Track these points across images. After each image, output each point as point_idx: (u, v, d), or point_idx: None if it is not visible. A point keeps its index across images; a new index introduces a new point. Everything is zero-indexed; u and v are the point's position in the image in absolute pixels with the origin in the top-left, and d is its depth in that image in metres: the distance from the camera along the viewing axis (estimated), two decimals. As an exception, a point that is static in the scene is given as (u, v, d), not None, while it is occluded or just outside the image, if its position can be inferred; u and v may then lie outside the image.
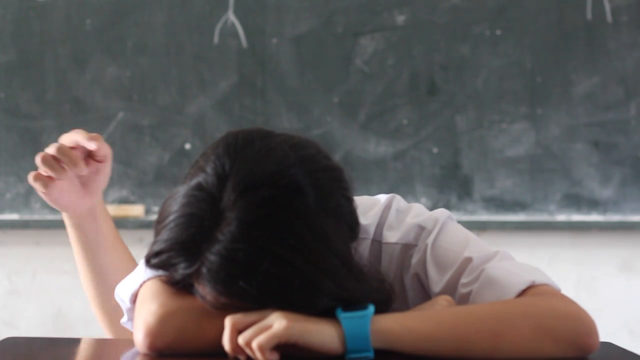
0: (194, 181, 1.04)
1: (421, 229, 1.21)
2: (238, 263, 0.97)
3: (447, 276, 1.16)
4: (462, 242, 1.18)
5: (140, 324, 1.05)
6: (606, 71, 2.95)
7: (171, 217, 1.03)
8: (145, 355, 1.05)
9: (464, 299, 1.13)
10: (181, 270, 1.02)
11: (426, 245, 1.19)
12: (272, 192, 1.00)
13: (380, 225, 1.24)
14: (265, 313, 0.98)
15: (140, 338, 1.04)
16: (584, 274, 2.98)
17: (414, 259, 1.20)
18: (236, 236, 0.98)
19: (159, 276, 1.10)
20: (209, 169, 1.04)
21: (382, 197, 1.27)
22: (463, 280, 1.14)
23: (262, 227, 0.98)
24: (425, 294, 1.19)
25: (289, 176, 1.01)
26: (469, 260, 1.15)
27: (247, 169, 1.02)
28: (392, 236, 1.22)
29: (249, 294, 0.97)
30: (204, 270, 0.99)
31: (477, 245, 1.18)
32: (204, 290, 1.02)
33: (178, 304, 1.05)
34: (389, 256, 1.22)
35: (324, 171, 1.06)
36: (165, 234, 1.03)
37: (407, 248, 1.21)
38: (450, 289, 1.15)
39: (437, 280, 1.17)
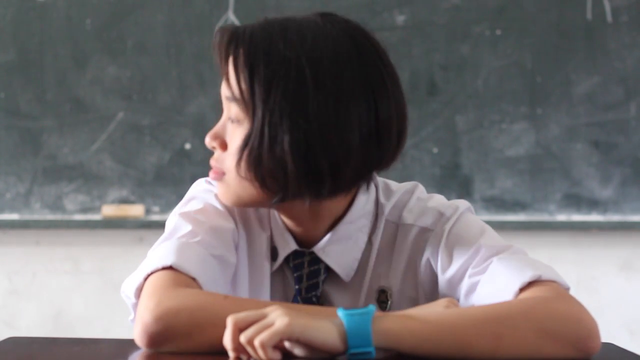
0: None
1: (440, 214, 1.23)
2: (254, 28, 1.17)
3: (458, 264, 1.18)
4: (477, 232, 1.20)
5: (138, 320, 1.06)
6: (606, 71, 2.95)
7: None
8: (145, 355, 1.05)
9: (472, 288, 1.15)
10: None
11: (443, 231, 1.21)
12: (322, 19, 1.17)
13: (397, 208, 1.26)
14: (267, 312, 0.98)
15: (137, 334, 1.05)
16: (584, 274, 2.98)
17: (429, 244, 1.22)
18: (266, 20, 1.18)
19: (164, 268, 1.11)
20: None
21: (406, 184, 1.30)
22: (472, 269, 1.16)
23: (286, 26, 1.16)
24: (436, 280, 1.21)
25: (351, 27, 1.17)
26: (480, 249, 1.17)
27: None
28: (410, 218, 1.24)
29: (241, 51, 1.15)
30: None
31: (491, 237, 1.20)
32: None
33: (176, 303, 1.05)
34: (404, 237, 1.24)
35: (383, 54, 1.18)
36: None
37: (423, 231, 1.23)
38: (459, 276, 1.18)
39: (446, 267, 1.19)
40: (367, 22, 2.96)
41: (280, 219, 1.25)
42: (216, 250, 1.19)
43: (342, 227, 1.23)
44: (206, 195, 1.27)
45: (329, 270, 1.24)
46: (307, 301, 1.23)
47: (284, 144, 1.11)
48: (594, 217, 2.96)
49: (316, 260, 1.23)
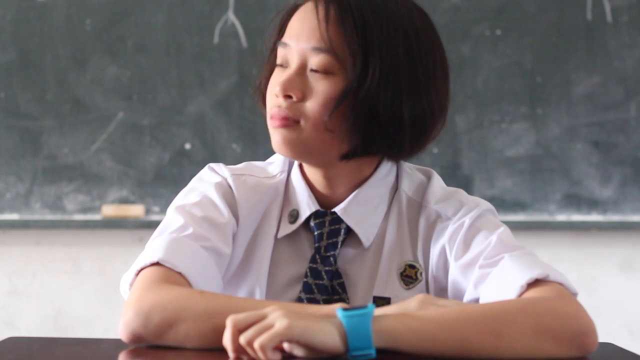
0: None
1: (462, 206, 1.26)
2: None
3: (472, 254, 1.20)
4: (494, 228, 1.23)
5: (121, 316, 1.10)
6: (606, 71, 2.95)
7: None
8: (145, 355, 1.05)
9: (481, 279, 1.17)
10: None
11: (463, 223, 1.23)
12: None
13: (420, 188, 1.30)
14: (266, 312, 0.98)
15: (120, 330, 1.09)
16: (584, 274, 2.98)
17: (448, 232, 1.24)
18: None
19: (152, 264, 1.14)
20: None
21: (420, 167, 1.36)
22: (482, 260, 1.18)
23: None
24: (447, 267, 1.23)
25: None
26: (493, 242, 1.20)
27: None
28: (432, 201, 1.28)
29: (347, 5, 1.19)
30: None
31: (507, 235, 1.22)
32: (296, 12, 1.23)
33: (151, 300, 1.08)
34: (424, 218, 1.27)
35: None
36: None
37: (442, 219, 1.26)
38: (471, 265, 1.20)
39: (460, 255, 1.21)
40: (367, 22, 2.97)
41: (303, 182, 1.28)
42: (208, 242, 1.21)
43: (365, 190, 1.27)
44: (206, 186, 1.29)
45: (348, 232, 1.27)
46: (325, 260, 1.25)
47: (399, 97, 1.19)
48: (594, 217, 2.96)
49: (337, 220, 1.26)
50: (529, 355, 1.02)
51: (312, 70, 1.21)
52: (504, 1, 2.96)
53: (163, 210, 2.92)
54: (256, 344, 0.94)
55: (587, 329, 1.05)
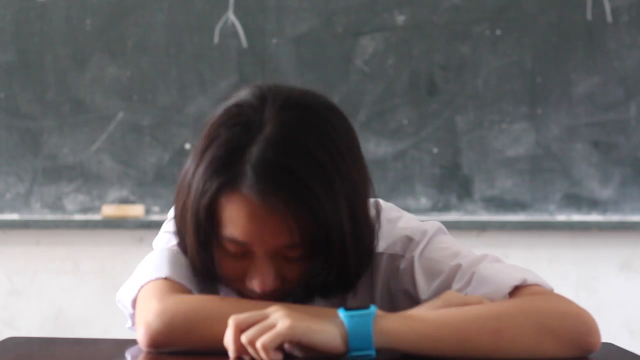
0: (230, 102, 1.18)
1: (409, 240, 1.20)
2: (283, 156, 1.06)
3: (436, 283, 1.16)
4: (450, 253, 1.18)
5: (140, 321, 1.07)
6: (606, 71, 2.95)
7: (214, 130, 1.17)
8: (145, 355, 1.05)
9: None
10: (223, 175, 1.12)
11: (413, 257, 1.19)
12: (314, 107, 1.12)
13: None
14: (268, 312, 0.98)
15: (140, 335, 1.06)
16: (584, 274, 2.98)
17: (402, 274, 1.19)
18: (278, 136, 1.08)
19: (158, 279, 1.11)
20: (243, 94, 1.17)
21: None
22: (455, 286, 1.14)
23: (302, 130, 1.09)
24: (414, 305, 1.17)
25: (328, 103, 1.13)
26: (458, 267, 1.15)
27: (287, 93, 1.15)
28: (380, 245, 1.21)
29: (289, 184, 1.04)
30: (248, 167, 1.07)
31: (466, 254, 1.18)
32: (239, 199, 1.07)
33: (175, 302, 1.06)
34: (377, 265, 1.21)
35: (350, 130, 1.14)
36: (210, 149, 1.17)
37: (393, 259, 1.21)
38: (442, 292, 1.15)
39: (425, 289, 1.16)
40: (367, 22, 2.97)
41: None
42: None
43: None
44: None
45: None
46: None
47: (360, 230, 1.11)
48: (594, 217, 2.96)
49: None
50: (531, 355, 1.02)
51: (286, 258, 1.10)
52: (504, 1, 2.96)
53: (163, 210, 2.92)
54: (258, 344, 0.94)
55: (589, 328, 1.04)
